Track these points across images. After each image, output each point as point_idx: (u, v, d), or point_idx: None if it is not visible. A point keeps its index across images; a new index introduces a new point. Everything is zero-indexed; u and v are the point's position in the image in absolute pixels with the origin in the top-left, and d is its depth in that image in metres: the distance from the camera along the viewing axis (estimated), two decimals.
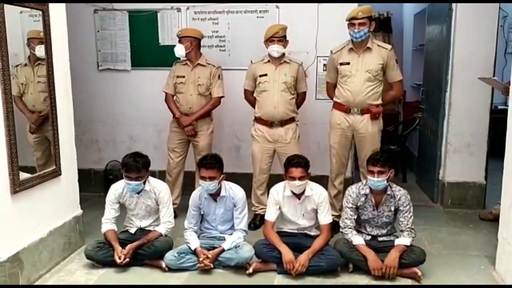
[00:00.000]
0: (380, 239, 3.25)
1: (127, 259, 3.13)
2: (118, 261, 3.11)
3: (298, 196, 3.23)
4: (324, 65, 4.26)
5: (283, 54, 3.86)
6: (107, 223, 3.32)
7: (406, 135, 5.69)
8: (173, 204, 4.04)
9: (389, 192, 3.18)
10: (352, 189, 3.26)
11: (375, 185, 3.12)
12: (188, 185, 4.24)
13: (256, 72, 3.90)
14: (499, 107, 5.47)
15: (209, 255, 3.15)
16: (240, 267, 3.19)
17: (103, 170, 4.95)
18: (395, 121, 6.26)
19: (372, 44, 3.63)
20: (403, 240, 3.10)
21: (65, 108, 3.39)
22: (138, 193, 3.31)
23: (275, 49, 3.77)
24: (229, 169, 4.03)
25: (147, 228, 3.38)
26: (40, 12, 3.10)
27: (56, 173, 3.27)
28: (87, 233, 3.66)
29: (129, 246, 3.17)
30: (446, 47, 4.36)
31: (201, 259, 3.13)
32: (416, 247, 3.13)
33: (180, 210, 4.02)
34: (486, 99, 4.28)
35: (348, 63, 3.65)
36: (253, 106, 4.01)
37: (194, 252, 3.20)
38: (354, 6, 4.03)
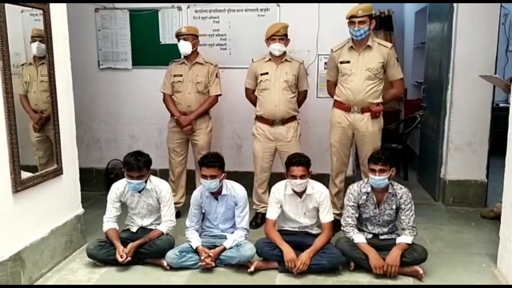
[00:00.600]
0: (382, 237, 3.24)
1: (129, 258, 3.13)
2: (119, 260, 3.12)
3: (300, 194, 3.23)
4: (325, 63, 4.25)
5: (284, 53, 3.86)
6: (109, 222, 3.32)
7: (408, 133, 5.68)
8: (178, 203, 4.09)
9: (390, 191, 3.17)
10: (354, 188, 3.26)
11: (377, 184, 3.11)
12: (189, 184, 4.25)
13: (257, 71, 3.90)
14: (501, 105, 5.46)
15: (211, 254, 3.16)
16: (241, 266, 3.19)
17: (105, 169, 4.96)
18: (396, 119, 6.25)
19: (372, 42, 3.63)
20: (405, 239, 3.09)
21: (66, 107, 3.39)
22: (140, 192, 3.31)
23: (276, 48, 3.77)
24: (230, 167, 4.06)
25: (148, 227, 3.39)
26: (41, 11, 3.10)
27: (58, 172, 3.28)
28: (88, 232, 3.66)
29: (130, 245, 3.17)
30: (447, 45, 4.35)
31: (202, 258, 3.14)
32: (417, 245, 3.13)
33: (185, 209, 4.01)
34: (488, 97, 4.27)
35: (348, 62, 3.64)
36: (254, 105, 4.01)
37: (196, 251, 3.21)
38: (355, 4, 4.03)
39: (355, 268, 3.16)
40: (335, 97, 3.80)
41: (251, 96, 4.04)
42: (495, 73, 4.16)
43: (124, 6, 4.68)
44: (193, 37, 4.02)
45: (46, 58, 3.17)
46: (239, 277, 3.12)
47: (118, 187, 3.36)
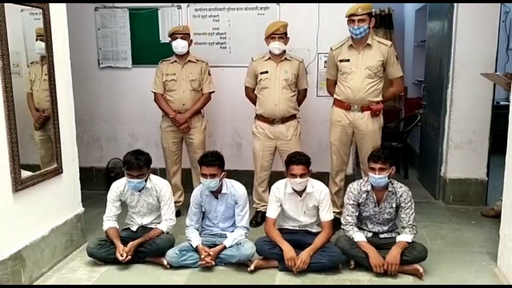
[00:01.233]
0: (382, 236, 3.25)
1: (129, 257, 3.14)
2: (120, 258, 3.12)
3: (299, 193, 3.22)
4: (325, 62, 4.24)
5: (284, 51, 3.86)
6: (109, 221, 3.32)
7: (408, 132, 5.68)
8: (178, 202, 4.09)
9: (390, 189, 3.17)
10: (354, 186, 3.26)
11: (377, 182, 3.11)
12: (188, 183, 4.25)
13: (257, 69, 3.89)
14: (501, 103, 5.45)
15: (211, 253, 3.16)
16: (241, 264, 3.19)
17: (105, 168, 4.96)
18: (396, 118, 6.25)
19: (372, 40, 3.62)
20: (405, 237, 3.09)
21: (66, 106, 3.39)
22: (140, 190, 3.31)
23: (276, 46, 3.77)
24: (231, 166, 4.06)
25: (148, 226, 3.39)
26: (41, 11, 3.10)
27: (58, 171, 3.28)
28: (89, 231, 3.67)
29: (130, 244, 3.18)
30: (448, 43, 4.34)
31: (202, 257, 3.14)
32: (417, 243, 3.13)
33: (184, 208, 4.02)
34: (488, 95, 4.27)
35: (348, 60, 3.64)
36: (254, 103, 4.01)
37: (196, 250, 3.21)
38: (355, 2, 4.02)
39: (355, 266, 3.16)
40: (335, 96, 3.79)
41: (251, 95, 4.04)
42: (496, 71, 4.16)
43: (124, 5, 4.68)
44: (188, 36, 4.04)
45: (46, 57, 3.17)
46: (239, 276, 3.12)
47: (118, 186, 3.36)
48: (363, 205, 3.22)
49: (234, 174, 3.82)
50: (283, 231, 3.27)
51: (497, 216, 3.92)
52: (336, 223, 3.41)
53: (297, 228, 3.32)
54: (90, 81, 4.84)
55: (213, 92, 4.17)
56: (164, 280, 3.08)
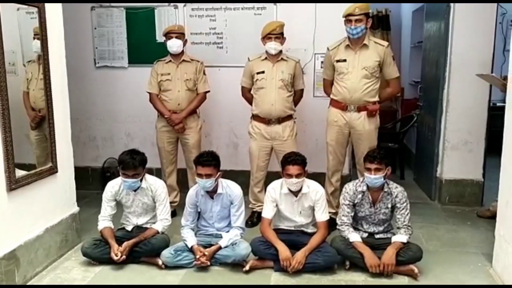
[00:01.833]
0: (377, 236, 3.25)
1: (124, 257, 3.13)
2: (114, 258, 3.11)
3: (295, 193, 3.22)
4: (322, 62, 4.24)
5: (281, 51, 3.86)
6: (104, 221, 3.31)
7: (404, 132, 5.68)
8: (173, 202, 4.08)
9: (386, 189, 3.17)
10: (349, 186, 3.26)
11: (372, 182, 3.11)
12: (184, 183, 4.24)
13: (253, 69, 3.89)
14: (498, 104, 5.46)
15: (206, 253, 3.15)
16: (236, 265, 3.19)
17: (101, 168, 4.95)
18: (393, 118, 6.26)
19: (368, 41, 3.62)
20: (400, 237, 3.10)
21: (61, 105, 3.38)
22: (135, 190, 3.30)
23: (272, 46, 3.76)
24: (227, 166, 4.05)
25: (143, 226, 3.38)
26: (36, 9, 3.09)
27: (53, 170, 3.27)
28: (84, 230, 3.66)
29: (125, 244, 3.16)
30: (444, 44, 4.35)
31: (197, 257, 3.13)
32: (412, 244, 3.13)
33: (180, 208, 4.01)
34: (484, 96, 4.27)
35: (344, 60, 3.64)
36: (250, 103, 4.01)
37: (191, 250, 3.20)
38: (352, 3, 4.02)
39: (351, 267, 3.16)
40: (331, 96, 3.79)
41: (247, 95, 4.04)
42: (492, 72, 4.16)
43: (120, 4, 4.67)
44: (183, 35, 4.04)
45: (42, 56, 3.16)
46: (234, 276, 3.12)
47: (113, 186, 3.35)
48: (359, 206, 3.22)
49: (230, 174, 3.81)
50: (278, 231, 3.27)
51: (492, 217, 3.92)
52: (331, 224, 3.40)
53: (292, 229, 3.32)
54: (86, 80, 4.83)
55: (208, 91, 4.16)
56: (159, 280, 3.07)
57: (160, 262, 3.19)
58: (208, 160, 3.18)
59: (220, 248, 3.20)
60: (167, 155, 4.18)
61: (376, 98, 3.68)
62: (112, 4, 4.68)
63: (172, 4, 4.61)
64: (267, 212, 3.27)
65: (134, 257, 3.21)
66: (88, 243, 3.25)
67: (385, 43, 3.72)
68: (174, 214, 3.94)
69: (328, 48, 3.77)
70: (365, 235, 3.24)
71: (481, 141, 4.35)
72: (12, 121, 2.80)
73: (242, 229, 3.35)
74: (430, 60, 4.88)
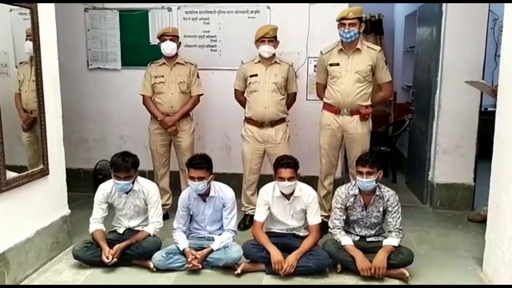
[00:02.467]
0: (369, 239, 3.26)
1: (115, 259, 3.12)
2: (106, 261, 3.10)
3: (287, 196, 3.23)
4: (315, 66, 4.26)
5: (274, 55, 3.87)
6: (95, 223, 3.30)
7: (397, 136, 5.71)
8: (165, 205, 4.07)
9: (377, 193, 3.19)
10: (341, 190, 3.27)
11: (364, 186, 3.13)
12: (177, 186, 4.23)
13: (246, 72, 3.90)
14: (489, 109, 5.50)
15: (198, 256, 3.14)
16: (228, 268, 3.18)
17: (93, 170, 4.93)
18: (385, 122, 6.28)
19: (361, 45, 3.65)
20: (391, 241, 3.11)
21: (54, 106, 3.36)
22: (127, 193, 3.29)
23: (266, 50, 3.78)
24: (220, 169, 4.05)
25: (135, 228, 3.37)
26: (29, 11, 3.08)
27: (44, 172, 3.25)
28: (75, 233, 3.63)
29: (117, 246, 3.15)
30: (436, 49, 4.38)
31: (189, 260, 3.12)
32: (404, 247, 3.15)
33: (172, 211, 4.00)
34: (476, 101, 4.31)
35: (337, 64, 3.66)
36: (244, 106, 4.01)
37: (183, 253, 3.19)
38: (345, 6, 4.06)
39: (342, 270, 3.16)
40: (324, 100, 3.81)
41: (241, 98, 4.04)
42: (483, 78, 4.19)
43: (114, 6, 4.66)
44: (177, 38, 4.05)
45: (34, 58, 3.15)
46: (226, 279, 3.11)
47: (105, 188, 3.34)
48: (351, 209, 3.23)
49: (223, 177, 3.81)
50: (270, 235, 3.27)
51: (483, 221, 3.93)
52: (324, 227, 3.41)
53: (284, 232, 3.32)
54: (79, 82, 4.81)
55: (201, 94, 4.16)
56: (151, 283, 3.05)
57: (151, 265, 3.18)
58: (201, 163, 3.18)
59: (212, 251, 3.19)
60: (160, 157, 4.18)
61: (369, 102, 3.70)
62: (106, 6, 4.67)
63: (166, 6, 4.61)
64: (259, 215, 3.27)
65: (125, 259, 3.20)
66: (79, 246, 3.23)
67: (378, 48, 3.74)
68: (166, 216, 3.92)
69: (321, 52, 3.78)
70: (357, 238, 3.25)
71: (472, 146, 4.38)
72: (3, 123, 2.78)
73: (234, 232, 3.35)
74: (422, 65, 4.91)
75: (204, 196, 3.29)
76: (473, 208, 4.43)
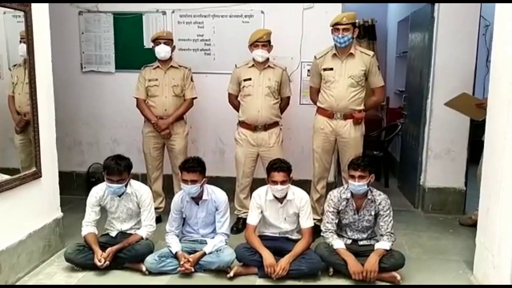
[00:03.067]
0: (361, 243, 3.28)
1: (107, 262, 3.11)
2: (98, 264, 3.09)
3: (280, 200, 3.24)
4: (309, 70, 4.29)
5: (267, 59, 3.89)
6: (88, 226, 3.29)
7: (389, 141, 5.75)
8: (158, 208, 4.07)
9: (369, 197, 3.21)
10: (334, 193, 3.29)
11: (356, 190, 3.15)
12: (170, 189, 4.24)
13: (240, 76, 3.92)
14: None
15: (190, 259, 3.15)
16: (221, 271, 3.19)
17: (86, 173, 4.92)
18: (378, 127, 6.31)
19: (355, 50, 3.68)
20: (383, 244, 3.13)
21: (47, 109, 3.36)
22: (120, 196, 3.29)
23: (259, 54, 3.80)
24: (213, 172, 4.06)
25: (128, 231, 3.36)
26: (23, 13, 3.08)
27: (37, 175, 3.24)
28: (68, 236, 3.62)
29: (109, 249, 3.15)
30: (428, 55, 4.43)
31: (182, 263, 3.13)
32: (395, 251, 3.17)
33: (165, 214, 3.99)
34: None
35: (331, 69, 3.69)
36: (237, 110, 4.03)
37: (175, 256, 3.20)
38: (338, 12, 4.09)
39: (334, 273, 3.18)
40: (318, 104, 3.83)
41: (234, 102, 4.06)
42: (474, 83, 4.25)
43: (108, 9, 4.67)
44: (171, 41, 4.06)
45: (27, 60, 3.14)
46: (218, 282, 3.12)
47: (98, 191, 3.34)
48: (343, 213, 3.25)
49: (216, 180, 3.82)
50: (263, 238, 3.28)
51: (474, 225, 3.96)
52: (316, 230, 3.43)
53: (277, 235, 3.34)
54: (72, 85, 4.80)
55: (195, 98, 4.18)
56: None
57: (144, 268, 3.18)
58: (194, 166, 3.19)
59: (204, 254, 3.20)
60: (153, 160, 4.18)
61: (362, 107, 3.73)
62: (100, 9, 4.68)
63: (160, 10, 4.62)
64: (252, 219, 3.28)
65: (117, 263, 3.20)
66: (71, 249, 3.22)
67: (371, 53, 3.78)
68: (159, 220, 3.92)
69: (315, 57, 3.81)
70: (349, 242, 3.27)
71: (464, 150, 4.42)
72: None
73: (227, 236, 3.36)
74: (414, 70, 4.95)
75: (197, 199, 3.30)
76: (464, 212, 4.47)
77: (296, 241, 3.27)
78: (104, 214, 3.42)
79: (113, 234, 3.37)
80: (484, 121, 3.18)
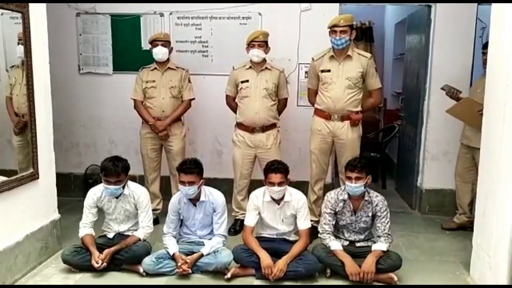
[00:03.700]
0: (358, 244, 3.28)
1: (105, 264, 3.11)
2: (95, 265, 3.09)
3: (278, 201, 3.25)
4: (306, 72, 4.30)
5: (265, 60, 3.90)
6: (85, 228, 3.29)
7: (386, 142, 5.77)
8: (156, 210, 4.07)
9: (366, 198, 3.22)
10: (331, 195, 3.30)
11: (353, 191, 3.16)
12: (167, 191, 4.24)
13: (237, 78, 3.92)
14: None
15: (188, 260, 3.15)
16: (218, 272, 3.19)
17: (83, 174, 4.91)
18: (375, 128, 6.34)
19: (352, 52, 3.69)
20: (380, 246, 3.14)
21: (44, 111, 3.36)
22: (117, 197, 3.29)
23: (255, 53, 3.80)
24: (211, 174, 4.07)
25: (125, 233, 3.36)
26: (20, 15, 3.08)
27: (34, 176, 3.24)
28: (65, 237, 3.62)
29: (106, 251, 3.15)
30: (425, 57, 4.45)
31: (179, 264, 3.13)
32: (392, 252, 3.18)
33: (163, 215, 3.99)
34: None
35: (329, 70, 3.70)
36: (235, 112, 4.03)
37: (173, 257, 3.20)
38: (336, 14, 4.11)
39: (331, 275, 3.19)
40: (315, 105, 3.84)
41: (232, 103, 4.07)
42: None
43: (106, 11, 4.67)
44: (169, 43, 4.07)
45: (25, 62, 3.14)
46: (216, 284, 3.12)
47: (95, 192, 3.34)
48: (340, 214, 3.26)
49: (214, 182, 3.82)
50: (261, 239, 3.29)
51: (459, 228, 4.02)
52: (313, 232, 3.43)
53: (274, 236, 3.34)
54: (70, 86, 4.80)
55: (193, 99, 4.18)
56: None
57: (141, 270, 3.18)
58: (191, 168, 3.19)
59: (202, 255, 3.20)
60: (151, 162, 4.18)
61: (359, 108, 3.74)
62: (98, 10, 4.68)
63: (158, 12, 4.62)
64: (250, 220, 3.29)
65: (115, 264, 3.20)
66: (68, 250, 3.22)
67: (368, 55, 3.79)
68: (156, 221, 3.93)
69: (313, 58, 3.82)
70: (346, 243, 3.28)
71: None
72: None
73: (225, 237, 3.36)
74: (411, 72, 4.97)
75: (194, 200, 3.30)
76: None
77: (293, 242, 3.28)
78: (101, 216, 3.41)
79: (111, 235, 3.37)
80: None
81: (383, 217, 3.20)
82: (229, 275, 3.14)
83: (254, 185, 3.83)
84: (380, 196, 3.26)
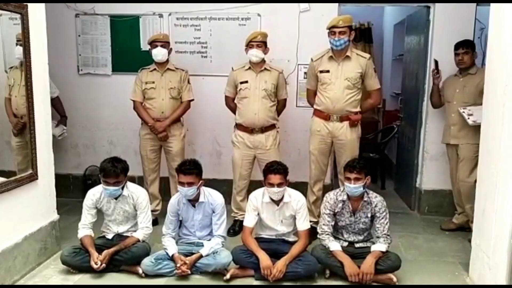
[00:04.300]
0: (357, 245, 3.28)
1: (104, 265, 3.11)
2: (94, 266, 3.09)
3: (277, 202, 3.25)
4: (305, 73, 4.30)
5: (264, 61, 3.90)
6: (84, 229, 3.29)
7: (385, 143, 5.77)
8: (155, 211, 4.07)
9: (365, 199, 3.22)
10: (330, 196, 3.30)
11: (352, 192, 3.16)
12: (166, 192, 4.23)
13: (237, 79, 3.93)
14: None
15: (187, 261, 3.15)
16: (217, 273, 3.19)
17: (82, 175, 4.91)
18: (374, 129, 6.34)
19: (351, 53, 3.70)
20: (379, 246, 3.14)
21: (43, 111, 3.36)
22: (116, 198, 3.29)
23: (254, 53, 3.81)
24: (210, 175, 4.07)
25: (124, 234, 3.36)
26: (19, 16, 3.08)
27: (33, 177, 3.24)
28: (64, 238, 3.62)
29: (105, 252, 3.15)
30: (424, 57, 4.45)
31: (178, 265, 3.13)
32: (391, 253, 3.18)
33: (162, 216, 3.99)
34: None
35: (328, 71, 3.70)
36: (234, 113, 4.04)
37: (172, 258, 3.20)
38: (334, 15, 4.12)
39: (331, 275, 3.19)
40: (315, 106, 3.85)
41: (231, 104, 4.07)
42: None
43: (105, 12, 4.67)
44: (168, 44, 4.07)
45: (24, 62, 3.14)
46: (215, 285, 3.12)
47: (94, 193, 3.33)
48: (339, 215, 3.26)
49: (213, 183, 3.82)
50: (260, 240, 3.29)
51: (458, 228, 4.02)
52: (313, 233, 3.43)
53: (274, 237, 3.34)
54: (69, 87, 4.79)
55: (192, 100, 4.18)
56: None
57: (140, 271, 3.18)
58: (190, 169, 3.19)
59: (201, 256, 3.20)
60: (150, 163, 4.18)
61: (358, 109, 3.75)
62: (97, 11, 4.68)
63: (157, 13, 4.63)
64: (249, 221, 3.29)
65: (114, 265, 3.19)
66: (67, 251, 3.21)
67: (367, 55, 3.79)
68: (155, 222, 3.93)
69: (312, 59, 3.83)
70: (345, 244, 3.28)
71: None
72: None
73: (224, 238, 3.36)
74: (410, 73, 4.98)
75: (193, 201, 3.30)
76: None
77: (292, 243, 3.28)
78: (100, 217, 3.41)
79: (110, 236, 3.37)
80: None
81: (382, 218, 3.20)
82: (228, 276, 3.14)
83: (253, 186, 3.83)
84: (379, 197, 3.26)
